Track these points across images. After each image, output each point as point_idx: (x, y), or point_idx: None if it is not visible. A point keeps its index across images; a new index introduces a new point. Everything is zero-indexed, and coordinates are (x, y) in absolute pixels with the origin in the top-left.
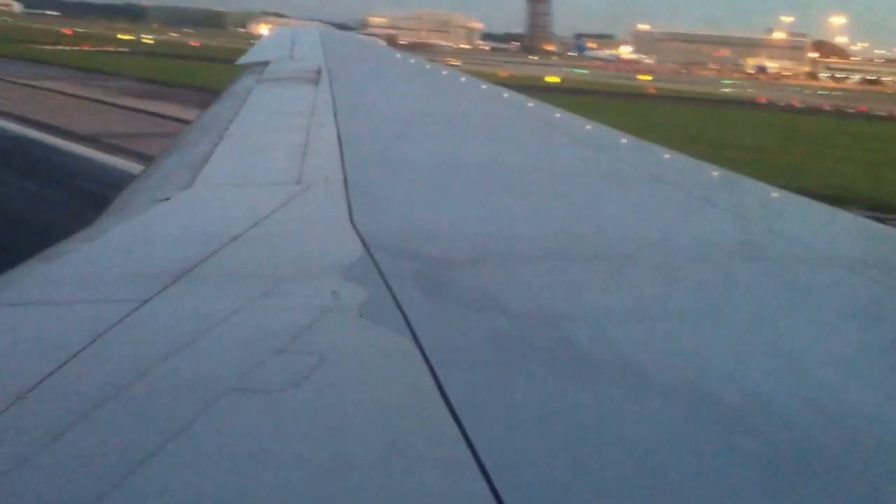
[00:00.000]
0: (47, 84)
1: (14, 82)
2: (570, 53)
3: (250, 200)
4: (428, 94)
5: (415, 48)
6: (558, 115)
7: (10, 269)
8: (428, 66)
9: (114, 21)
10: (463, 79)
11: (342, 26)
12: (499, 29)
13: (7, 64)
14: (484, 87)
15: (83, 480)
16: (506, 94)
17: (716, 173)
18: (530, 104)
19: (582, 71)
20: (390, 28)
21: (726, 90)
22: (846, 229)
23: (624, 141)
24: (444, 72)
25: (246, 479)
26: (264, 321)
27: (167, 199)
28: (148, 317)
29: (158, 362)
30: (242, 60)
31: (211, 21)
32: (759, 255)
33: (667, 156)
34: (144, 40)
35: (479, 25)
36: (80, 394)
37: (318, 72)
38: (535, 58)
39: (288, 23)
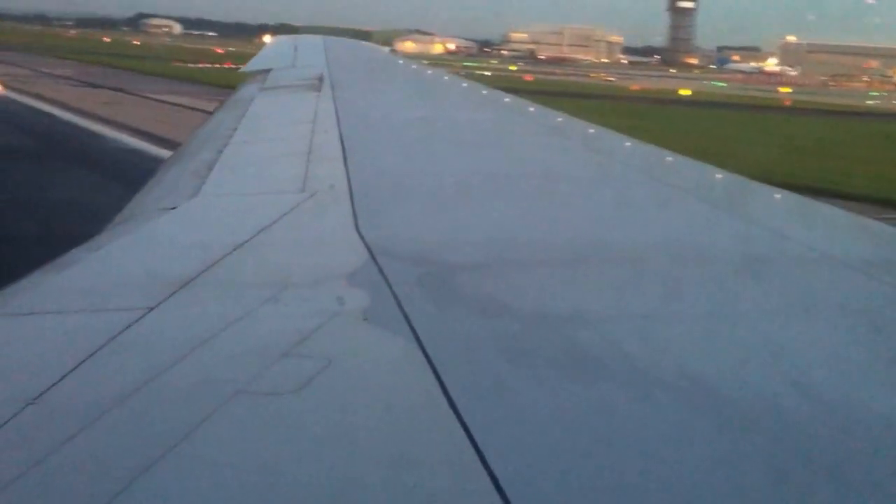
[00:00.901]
0: (171, 98)
1: (145, 97)
2: (711, 66)
3: (255, 208)
4: (430, 101)
5: (554, 62)
6: (562, 120)
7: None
8: (429, 73)
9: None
10: (465, 85)
11: (486, 42)
12: (641, 43)
13: (144, 79)
14: (485, 93)
15: (93, 485)
16: (507, 100)
17: (726, 177)
18: (533, 110)
19: (720, 84)
20: (531, 43)
21: (870, 102)
22: (859, 232)
23: (628, 145)
24: (446, 78)
25: (254, 482)
26: (270, 327)
27: (173, 208)
28: (155, 323)
29: (166, 367)
30: (246, 68)
31: (360, 40)
32: (770, 259)
33: (670, 158)
34: None
35: (619, 39)
36: (89, 399)
37: (321, 79)
38: (674, 71)
39: (432, 40)
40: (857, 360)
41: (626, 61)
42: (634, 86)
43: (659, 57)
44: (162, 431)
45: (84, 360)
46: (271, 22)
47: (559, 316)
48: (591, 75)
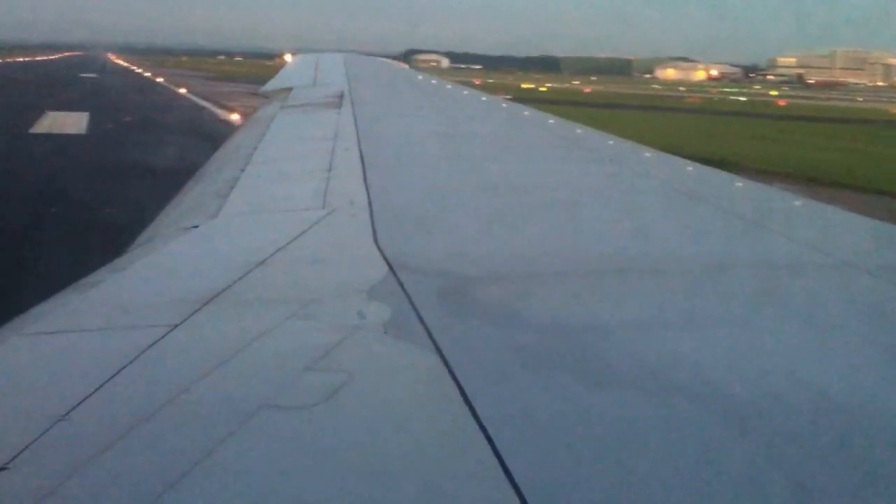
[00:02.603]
0: None
1: None
2: None
3: (277, 226)
4: (449, 116)
5: (824, 87)
6: (581, 131)
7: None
8: (449, 88)
9: (529, 72)
10: (484, 99)
11: (752, 68)
12: None
13: None
14: (504, 106)
15: (122, 500)
16: (527, 113)
17: (744, 185)
18: (552, 122)
19: None
20: (799, 68)
21: None
22: (875, 237)
23: (648, 156)
24: (465, 93)
25: (281, 495)
26: (293, 341)
27: (195, 227)
28: (180, 341)
29: (192, 383)
30: (266, 88)
31: (618, 69)
32: (786, 267)
33: (690, 168)
34: (541, 89)
35: None
36: (117, 415)
37: (341, 96)
38: None
39: (694, 67)
40: (885, 369)
41: None
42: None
43: None
44: (189, 447)
45: (111, 378)
46: (535, 53)
47: (580, 327)
48: (859, 99)
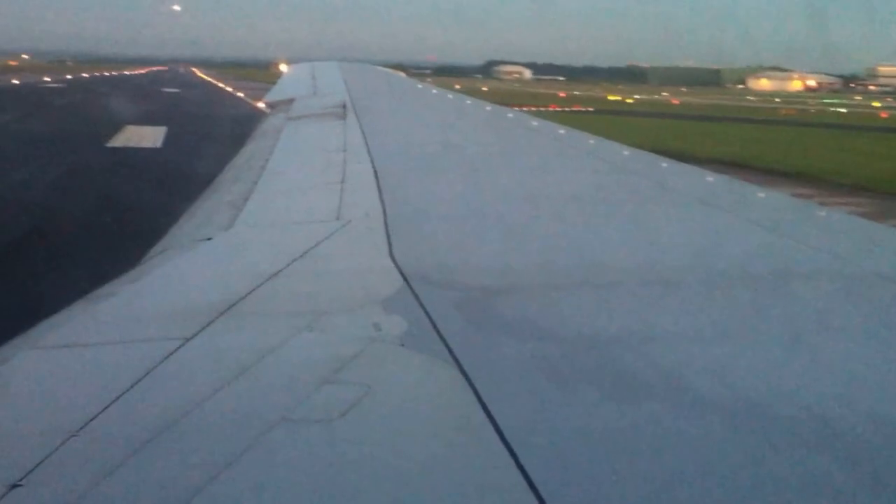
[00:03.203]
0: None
1: None
2: None
3: (291, 237)
4: (456, 125)
5: None
6: (593, 142)
7: None
8: (451, 97)
9: (615, 83)
10: (489, 108)
11: (852, 78)
12: None
13: None
14: (511, 115)
15: None
16: (535, 123)
17: (760, 193)
18: (562, 131)
19: None
20: None
21: None
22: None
23: (665, 165)
24: (469, 101)
25: None
26: (309, 354)
27: (209, 239)
28: (195, 353)
29: (207, 397)
30: (267, 98)
31: (708, 79)
32: (806, 276)
33: (710, 178)
34: (627, 100)
35: None
36: (132, 430)
37: (344, 106)
38: None
39: (789, 77)
40: None
41: None
42: None
43: None
44: (205, 461)
45: (125, 391)
46: (621, 64)
47: (600, 339)
48: None
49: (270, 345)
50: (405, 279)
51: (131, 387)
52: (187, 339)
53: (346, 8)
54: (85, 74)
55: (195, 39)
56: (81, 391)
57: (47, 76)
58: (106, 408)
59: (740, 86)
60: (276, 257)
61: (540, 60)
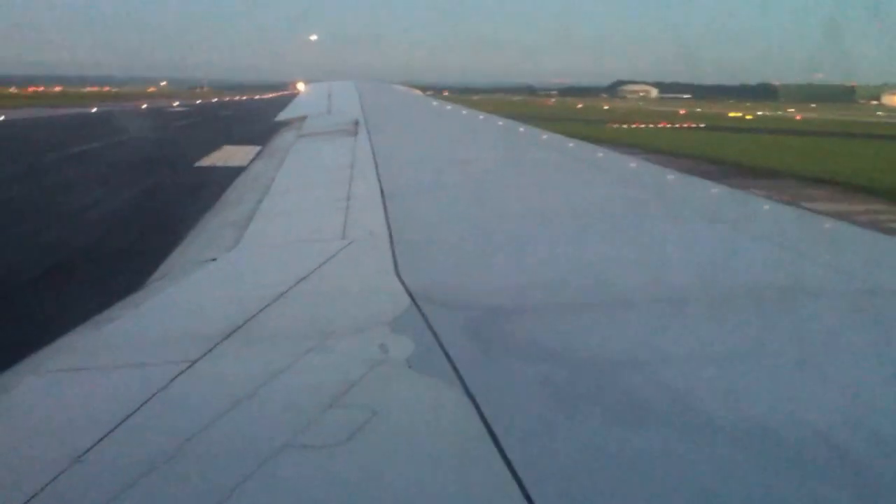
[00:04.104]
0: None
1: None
2: None
3: (296, 257)
4: (466, 143)
5: None
6: (602, 155)
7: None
8: (465, 113)
9: (745, 101)
10: (500, 123)
11: None
12: None
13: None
14: (522, 130)
15: None
16: (545, 137)
17: (775, 208)
18: (572, 146)
19: None
20: None
21: None
22: None
23: (671, 178)
24: (481, 117)
25: None
26: (315, 377)
27: (214, 259)
28: (200, 377)
29: (212, 421)
30: (280, 117)
31: (841, 96)
32: (822, 294)
33: (715, 190)
34: (747, 117)
35: None
36: (135, 454)
37: (356, 124)
38: None
39: None
40: None
41: None
42: None
43: None
44: (209, 487)
45: (129, 416)
46: (752, 81)
47: (607, 360)
48: None
49: (276, 368)
50: (412, 299)
51: (137, 410)
52: (193, 363)
53: (488, 35)
54: (214, 99)
55: (328, 65)
56: (86, 415)
57: (177, 101)
58: (112, 431)
59: (874, 101)
60: (281, 278)
61: (668, 79)
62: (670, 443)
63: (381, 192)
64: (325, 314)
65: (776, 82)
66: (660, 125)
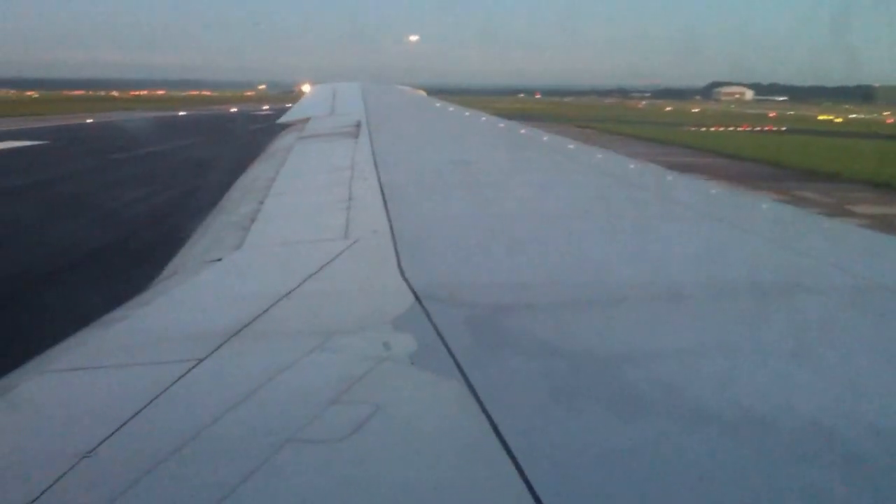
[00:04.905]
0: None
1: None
2: None
3: (300, 257)
4: (466, 143)
5: None
6: (602, 156)
7: None
8: (467, 114)
9: (841, 103)
10: (502, 125)
11: None
12: None
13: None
14: (523, 132)
15: None
16: (545, 139)
17: (771, 206)
18: (572, 147)
19: None
20: None
21: None
22: None
23: (671, 179)
24: (483, 119)
25: None
26: (319, 374)
27: (219, 259)
28: (206, 375)
29: (217, 418)
30: (283, 119)
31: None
32: (819, 290)
33: (713, 191)
34: (835, 120)
35: None
36: (143, 451)
37: (358, 125)
38: None
39: None
40: None
41: None
42: None
43: None
44: (215, 482)
45: (136, 413)
46: (851, 83)
47: (609, 356)
48: None
49: (282, 365)
50: (416, 297)
51: (145, 407)
52: (200, 361)
53: (582, 35)
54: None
55: (423, 67)
56: (94, 413)
57: (267, 104)
58: (119, 429)
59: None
60: (285, 277)
61: (765, 80)
62: (671, 437)
63: (382, 192)
64: (330, 312)
65: (876, 84)
66: (740, 128)
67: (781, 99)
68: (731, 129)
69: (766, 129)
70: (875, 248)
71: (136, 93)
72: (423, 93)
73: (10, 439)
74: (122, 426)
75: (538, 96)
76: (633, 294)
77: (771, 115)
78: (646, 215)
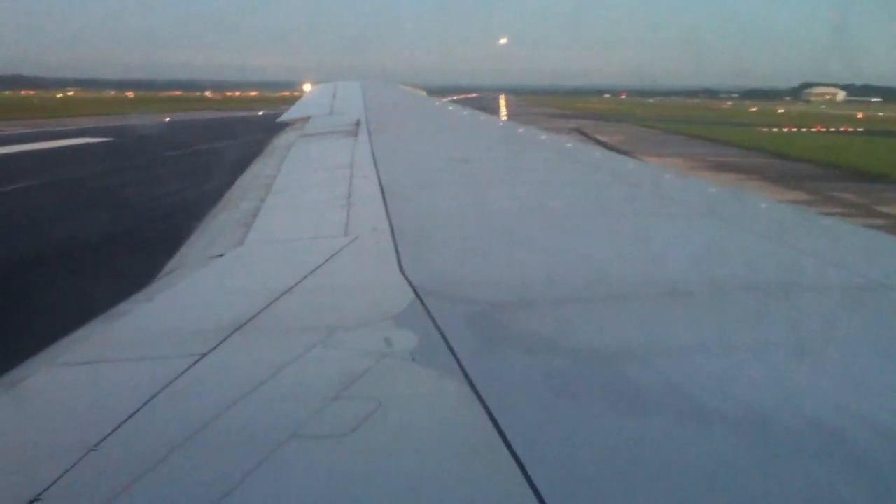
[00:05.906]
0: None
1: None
2: None
3: (300, 254)
4: (465, 141)
5: None
6: (601, 156)
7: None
8: (466, 114)
9: None
10: (501, 124)
11: None
12: None
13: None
14: (521, 130)
15: None
16: (543, 137)
17: (772, 206)
18: (570, 146)
19: None
20: None
21: None
22: None
23: (668, 177)
24: (483, 117)
25: None
26: (320, 370)
27: (220, 255)
28: (208, 370)
29: (220, 413)
30: (283, 118)
31: None
32: (821, 288)
33: (713, 189)
34: None
35: None
36: (147, 445)
37: (358, 124)
38: None
39: None
40: None
41: None
42: None
43: None
44: (218, 478)
45: (140, 408)
46: None
47: (610, 352)
48: None
49: (283, 361)
50: (416, 293)
51: (148, 402)
52: (202, 356)
53: (670, 36)
54: None
55: (518, 70)
56: (99, 407)
57: None
58: (123, 423)
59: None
60: (286, 273)
61: (859, 81)
62: (673, 434)
63: (382, 189)
64: (330, 309)
65: None
66: (812, 129)
67: (875, 100)
68: (802, 129)
69: (841, 129)
70: (875, 248)
71: (230, 93)
72: (422, 92)
73: (15, 433)
74: (125, 420)
75: (623, 97)
76: (633, 291)
77: (858, 116)
78: (647, 213)
